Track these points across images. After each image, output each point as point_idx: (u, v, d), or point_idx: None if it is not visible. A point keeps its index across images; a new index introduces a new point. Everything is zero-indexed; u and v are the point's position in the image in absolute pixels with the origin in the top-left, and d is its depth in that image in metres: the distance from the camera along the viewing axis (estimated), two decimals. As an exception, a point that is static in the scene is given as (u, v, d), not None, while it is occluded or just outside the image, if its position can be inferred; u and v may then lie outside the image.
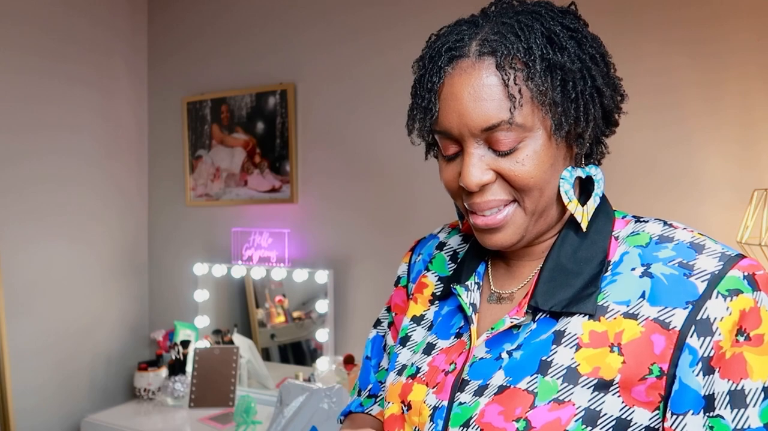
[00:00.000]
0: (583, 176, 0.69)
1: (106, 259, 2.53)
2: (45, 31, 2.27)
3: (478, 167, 0.64)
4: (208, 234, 2.55)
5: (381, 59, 2.14)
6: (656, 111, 1.72)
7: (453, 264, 0.81)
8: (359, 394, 0.94)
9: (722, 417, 0.57)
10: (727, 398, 0.57)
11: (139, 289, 2.69)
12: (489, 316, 0.72)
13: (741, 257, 0.61)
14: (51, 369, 2.31)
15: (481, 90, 0.62)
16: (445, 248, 0.85)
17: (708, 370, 0.58)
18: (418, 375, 0.72)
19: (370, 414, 0.90)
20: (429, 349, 0.74)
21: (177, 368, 2.32)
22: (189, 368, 2.35)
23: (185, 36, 2.60)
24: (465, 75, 0.63)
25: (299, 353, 2.39)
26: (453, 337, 0.73)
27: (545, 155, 0.63)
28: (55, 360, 2.32)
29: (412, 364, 0.74)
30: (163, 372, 2.35)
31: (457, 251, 0.83)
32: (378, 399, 0.91)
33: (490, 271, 0.76)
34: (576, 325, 0.63)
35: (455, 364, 0.69)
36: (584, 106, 0.63)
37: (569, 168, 0.67)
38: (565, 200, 0.66)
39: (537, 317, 0.66)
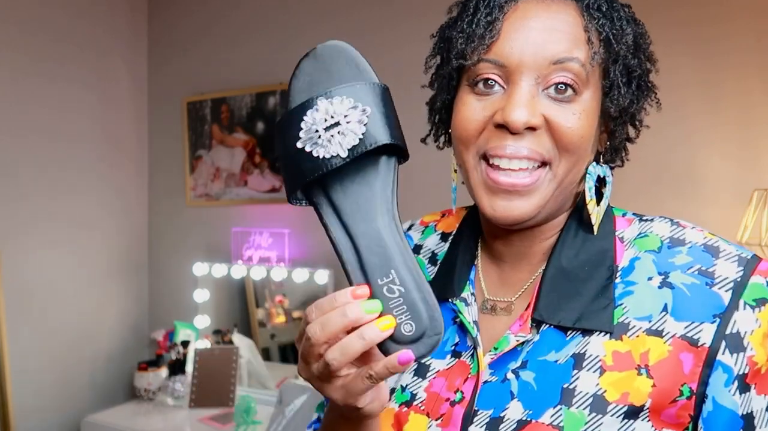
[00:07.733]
0: (601, 176, 0.65)
1: (106, 259, 2.53)
2: (44, 33, 2.27)
3: (530, 104, 0.57)
4: (208, 234, 2.55)
5: (381, 60, 2.13)
6: (656, 111, 1.72)
7: (433, 267, 0.73)
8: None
9: None
10: (766, 415, 0.54)
11: (139, 289, 2.69)
12: (485, 329, 0.65)
13: (758, 260, 0.58)
14: (51, 369, 2.31)
15: (558, 23, 0.58)
16: (422, 250, 0.76)
17: (744, 388, 0.54)
18: (414, 403, 0.64)
19: None
20: (422, 371, 0.66)
21: (177, 368, 2.32)
22: (189, 368, 2.35)
23: (185, 36, 2.60)
24: (543, 4, 0.59)
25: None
26: (449, 356, 0.65)
27: (594, 119, 0.59)
28: (55, 360, 2.33)
29: (403, 388, 0.66)
30: (163, 372, 2.35)
31: (436, 252, 0.75)
32: None
33: (481, 275, 0.69)
34: (596, 346, 0.57)
35: (462, 392, 0.61)
36: (636, 88, 0.62)
37: (593, 164, 0.63)
38: (588, 197, 0.62)
39: (540, 329, 0.60)
